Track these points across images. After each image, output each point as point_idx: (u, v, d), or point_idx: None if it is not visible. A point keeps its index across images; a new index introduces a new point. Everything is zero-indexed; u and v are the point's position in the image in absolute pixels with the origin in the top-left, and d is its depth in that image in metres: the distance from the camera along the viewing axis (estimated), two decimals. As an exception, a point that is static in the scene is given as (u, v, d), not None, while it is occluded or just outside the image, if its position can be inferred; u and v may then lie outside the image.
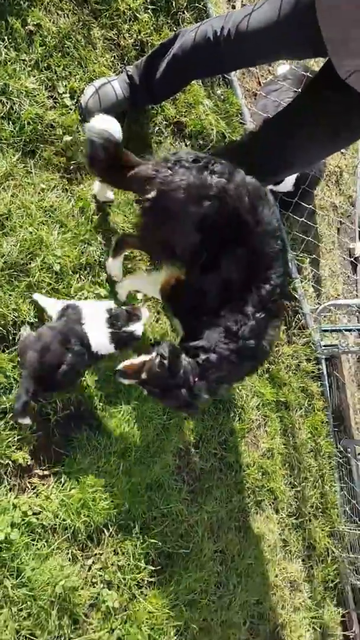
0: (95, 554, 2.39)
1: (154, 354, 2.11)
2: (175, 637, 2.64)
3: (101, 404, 2.51)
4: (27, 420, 2.07)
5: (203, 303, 2.18)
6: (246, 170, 2.26)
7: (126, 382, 2.18)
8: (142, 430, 2.62)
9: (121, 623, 2.39)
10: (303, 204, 3.66)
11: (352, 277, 4.81)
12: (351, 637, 3.78)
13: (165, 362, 2.05)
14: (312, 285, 4.09)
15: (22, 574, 2.08)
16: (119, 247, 2.46)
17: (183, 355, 2.13)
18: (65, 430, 2.40)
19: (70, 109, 2.54)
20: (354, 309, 4.46)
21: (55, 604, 2.16)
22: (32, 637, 2.11)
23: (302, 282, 3.93)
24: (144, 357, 2.13)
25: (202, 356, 2.13)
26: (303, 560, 3.55)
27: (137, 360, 2.13)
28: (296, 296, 3.88)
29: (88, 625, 2.29)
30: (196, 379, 2.11)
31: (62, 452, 2.37)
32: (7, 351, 2.23)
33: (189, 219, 2.02)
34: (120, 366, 2.14)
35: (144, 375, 2.10)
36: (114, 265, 2.51)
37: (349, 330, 4.04)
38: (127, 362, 2.14)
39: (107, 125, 2.14)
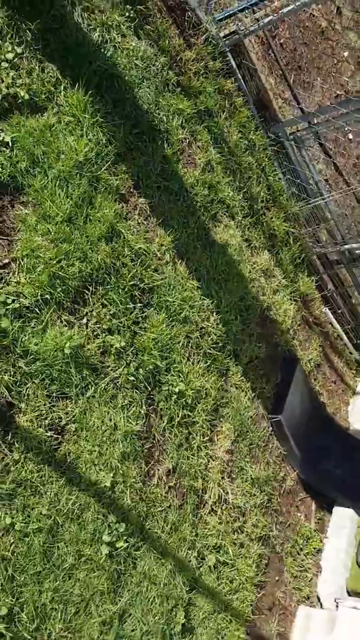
0: (87, 313, 2.54)
1: None
2: (183, 350, 2.97)
3: (23, 175, 2.39)
4: None
5: None
6: None
7: None
8: (77, 189, 2.55)
9: (133, 356, 2.66)
10: None
11: None
12: (328, 295, 4.29)
13: None
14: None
15: (29, 351, 2.23)
16: None
17: None
18: (1, 217, 2.32)
19: None
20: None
21: (71, 363, 2.37)
22: (64, 396, 2.36)
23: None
24: None
25: None
26: (269, 250, 3.83)
27: None
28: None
29: (107, 369, 2.55)
30: None
31: (10, 239, 2.34)
32: None
33: None
34: None
35: None
36: None
37: (243, 10, 3.68)
38: None
39: None
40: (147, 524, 2.58)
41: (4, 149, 2.34)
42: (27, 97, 2.45)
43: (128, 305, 2.71)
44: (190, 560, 2.79)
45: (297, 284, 4.03)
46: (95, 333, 2.55)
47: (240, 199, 3.60)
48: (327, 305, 4.27)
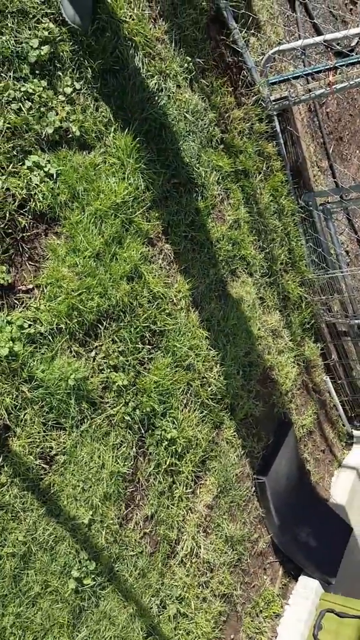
0: (96, 347, 2.60)
1: None
2: (181, 396, 3.02)
3: (62, 208, 2.48)
4: None
5: None
6: None
7: None
8: (110, 228, 2.64)
9: (133, 396, 2.71)
10: None
11: (292, 15, 4.39)
12: (331, 364, 4.35)
13: None
14: (252, 34, 3.75)
15: (34, 377, 2.28)
16: None
17: None
18: (34, 244, 2.41)
19: None
20: (299, 53, 4.18)
21: (72, 395, 2.41)
22: (59, 426, 2.40)
23: (241, 31, 3.58)
24: None
25: None
26: (280, 311, 3.90)
27: None
28: (238, 49, 3.57)
29: (105, 405, 2.59)
30: None
31: (38, 265, 2.41)
32: None
33: None
34: None
35: None
36: None
37: (297, 78, 3.83)
38: None
39: None
40: (116, 565, 2.58)
41: (48, 180, 2.43)
42: (78, 133, 2.56)
43: (137, 345, 2.77)
44: (152, 607, 2.78)
45: (303, 348, 4.09)
46: (100, 368, 2.60)
47: (261, 259, 3.69)
48: (329, 374, 4.32)
